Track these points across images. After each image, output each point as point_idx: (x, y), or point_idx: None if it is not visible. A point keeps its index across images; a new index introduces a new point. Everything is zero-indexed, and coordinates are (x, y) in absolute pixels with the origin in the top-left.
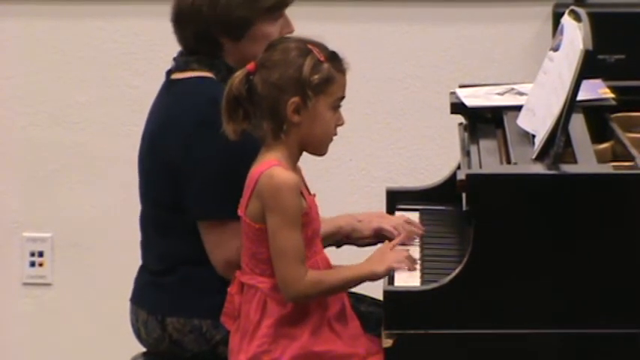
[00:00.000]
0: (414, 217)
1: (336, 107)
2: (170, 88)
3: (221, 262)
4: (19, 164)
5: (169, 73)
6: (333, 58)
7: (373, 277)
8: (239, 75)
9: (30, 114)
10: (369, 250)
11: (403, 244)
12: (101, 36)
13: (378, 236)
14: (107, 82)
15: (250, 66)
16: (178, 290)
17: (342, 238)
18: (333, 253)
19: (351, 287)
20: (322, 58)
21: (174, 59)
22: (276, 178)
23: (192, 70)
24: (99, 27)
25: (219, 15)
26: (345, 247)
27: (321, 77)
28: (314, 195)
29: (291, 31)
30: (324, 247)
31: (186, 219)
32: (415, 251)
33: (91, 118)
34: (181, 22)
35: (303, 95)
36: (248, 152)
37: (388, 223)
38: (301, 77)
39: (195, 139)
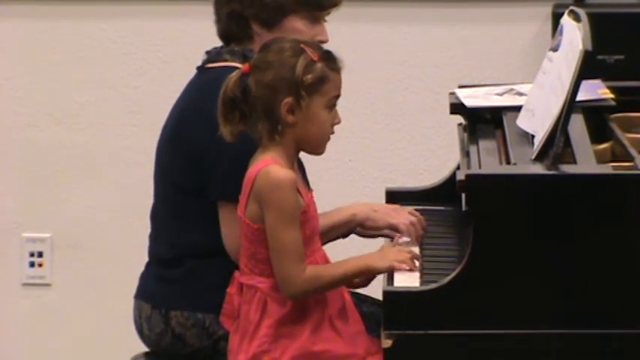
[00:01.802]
0: None
1: (331, 106)
2: (199, 76)
3: (234, 245)
4: (19, 165)
5: (201, 66)
6: (327, 57)
7: (371, 271)
8: (234, 76)
9: (29, 114)
10: (371, 248)
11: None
12: (101, 36)
13: (392, 229)
14: (107, 83)
15: (245, 67)
16: (184, 284)
17: (355, 226)
18: (332, 252)
19: (350, 280)
20: (315, 58)
21: (207, 52)
22: (273, 175)
23: (225, 60)
24: (99, 27)
25: None
26: (346, 247)
27: (314, 77)
28: (312, 191)
29: (325, 41)
30: (339, 236)
31: (205, 204)
32: (415, 251)
33: (90, 118)
34: (220, 1)
35: (297, 95)
36: None
37: (403, 221)
38: (294, 77)
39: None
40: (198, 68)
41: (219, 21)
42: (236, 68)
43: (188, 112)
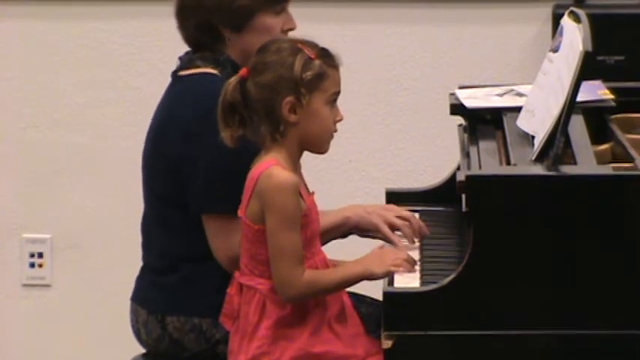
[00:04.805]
0: None
1: (332, 103)
2: (174, 85)
3: (225, 258)
4: (19, 165)
5: (175, 72)
6: (324, 54)
7: (370, 278)
8: (232, 81)
9: (29, 115)
10: (371, 246)
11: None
12: (101, 37)
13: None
14: (107, 84)
15: (243, 71)
16: (178, 289)
17: (349, 229)
18: (334, 252)
19: (348, 286)
20: (313, 56)
21: (180, 58)
22: (275, 178)
23: (197, 67)
24: (99, 28)
25: (220, 4)
26: (348, 246)
27: (313, 74)
28: (312, 193)
29: (293, 28)
30: (332, 239)
31: (189, 215)
32: (415, 253)
33: (90, 119)
34: (184, 13)
35: (297, 94)
36: (251, 146)
37: (392, 221)
38: (293, 76)
39: (197, 134)
40: (173, 75)
41: (185, 30)
42: (208, 74)
43: (164, 123)
